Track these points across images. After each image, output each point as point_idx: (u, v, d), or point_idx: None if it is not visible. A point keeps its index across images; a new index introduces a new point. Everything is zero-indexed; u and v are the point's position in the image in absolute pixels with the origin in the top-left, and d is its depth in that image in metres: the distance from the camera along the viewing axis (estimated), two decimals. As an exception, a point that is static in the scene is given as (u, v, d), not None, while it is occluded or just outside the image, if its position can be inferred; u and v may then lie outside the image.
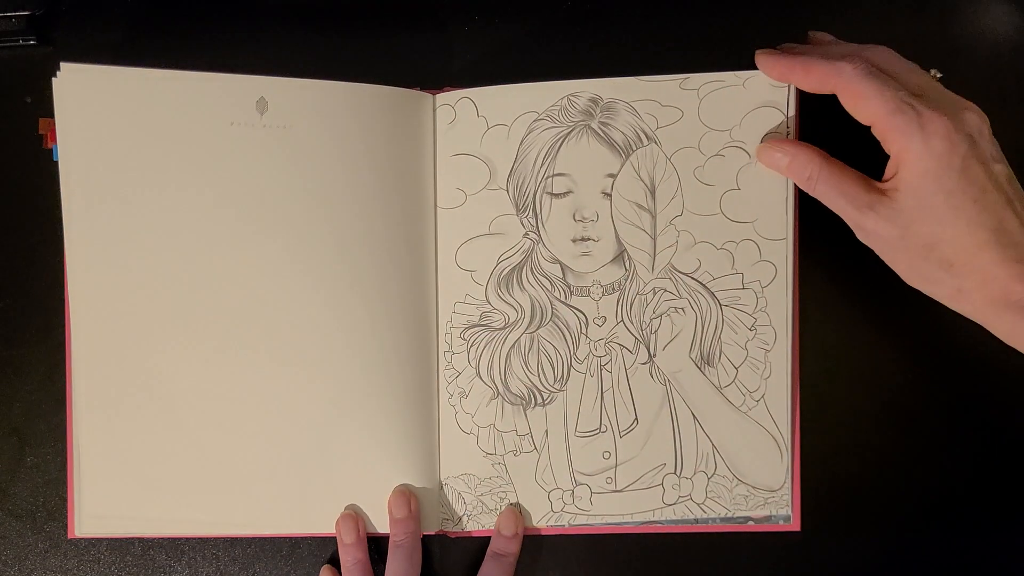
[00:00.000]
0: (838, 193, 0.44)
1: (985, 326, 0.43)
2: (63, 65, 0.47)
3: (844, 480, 0.52)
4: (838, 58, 0.44)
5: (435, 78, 0.51)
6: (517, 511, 0.50)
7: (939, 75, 0.45)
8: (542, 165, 0.50)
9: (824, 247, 0.51)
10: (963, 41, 0.52)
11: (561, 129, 0.50)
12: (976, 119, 0.42)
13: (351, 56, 0.52)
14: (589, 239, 0.50)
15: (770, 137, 0.49)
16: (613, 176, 0.49)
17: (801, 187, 0.47)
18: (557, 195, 0.50)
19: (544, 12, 0.53)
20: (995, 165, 0.42)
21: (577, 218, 0.50)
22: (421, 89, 0.50)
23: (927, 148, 0.41)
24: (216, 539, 0.51)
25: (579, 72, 0.50)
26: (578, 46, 0.52)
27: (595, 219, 0.50)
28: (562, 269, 0.50)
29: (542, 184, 0.50)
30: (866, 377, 0.52)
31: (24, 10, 0.50)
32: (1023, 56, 0.52)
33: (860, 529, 0.52)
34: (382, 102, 0.49)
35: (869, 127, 0.44)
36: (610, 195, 0.50)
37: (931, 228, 0.42)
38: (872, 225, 0.43)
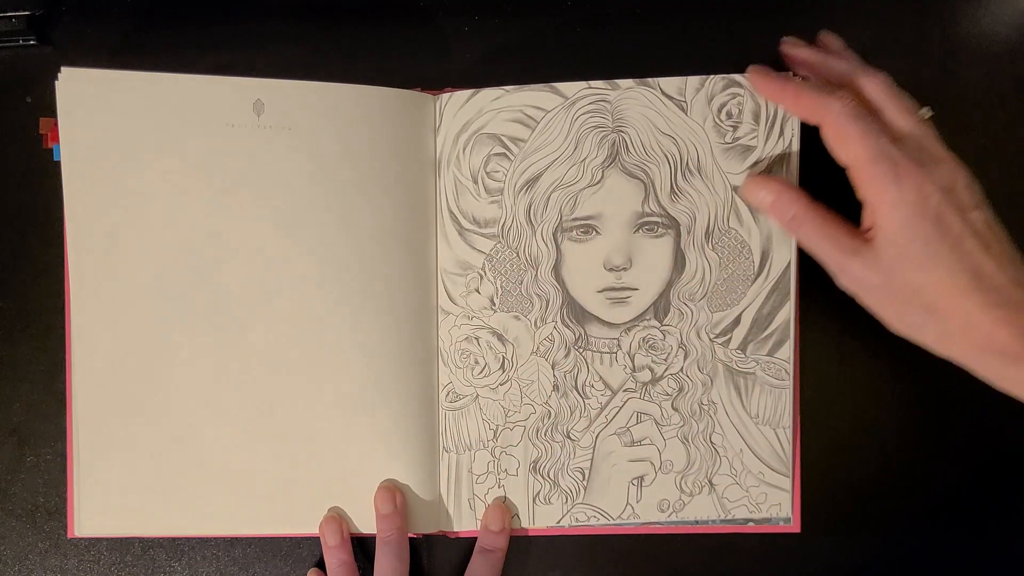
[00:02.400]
0: (822, 236, 0.45)
1: (969, 369, 0.43)
2: (64, 70, 0.47)
3: (844, 482, 0.52)
4: (828, 93, 0.44)
5: (436, 79, 0.51)
6: (504, 506, 0.50)
7: (929, 114, 0.45)
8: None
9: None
10: (963, 41, 0.52)
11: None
12: (949, 171, 0.43)
13: (351, 57, 0.52)
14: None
15: (754, 174, 0.49)
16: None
17: (783, 227, 0.47)
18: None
19: (545, 12, 0.53)
20: (971, 213, 0.42)
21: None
22: (422, 90, 0.50)
23: (901, 198, 0.42)
24: (216, 539, 0.51)
25: (579, 73, 0.50)
26: (579, 47, 0.52)
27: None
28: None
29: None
30: (866, 379, 0.52)
31: (24, 10, 0.50)
32: (1023, 56, 0.52)
33: (860, 531, 0.52)
34: (382, 103, 0.49)
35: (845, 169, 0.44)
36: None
37: (913, 275, 0.42)
38: (857, 271, 0.44)
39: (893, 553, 0.52)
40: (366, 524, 0.50)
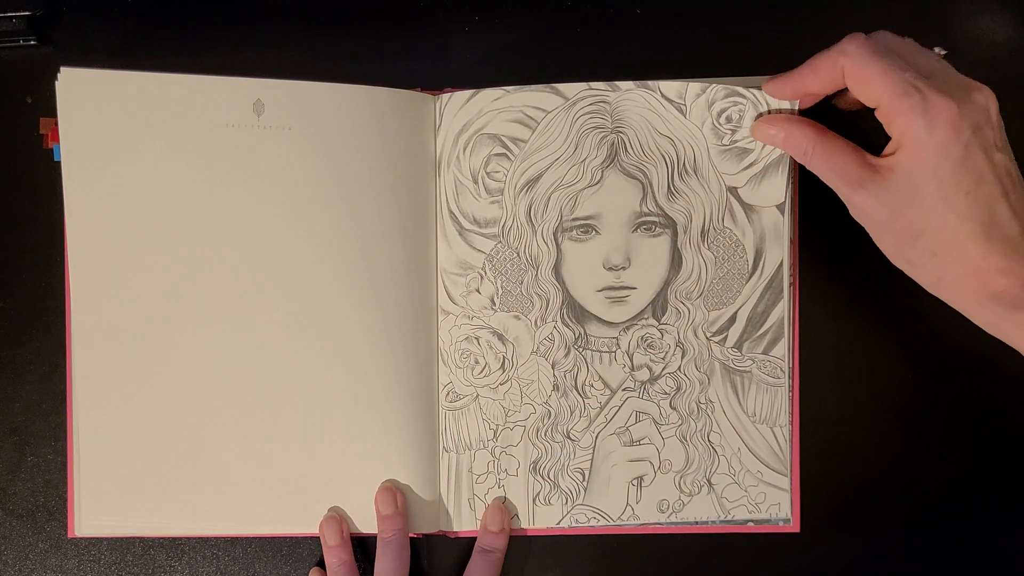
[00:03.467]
0: (830, 168, 0.44)
1: (967, 315, 0.43)
2: (63, 70, 0.47)
3: (844, 482, 0.52)
4: (838, 44, 0.43)
5: (436, 79, 0.51)
6: (503, 506, 0.50)
7: (943, 52, 0.44)
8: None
9: (824, 247, 0.51)
10: (963, 41, 0.52)
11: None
12: (983, 101, 0.41)
13: (351, 57, 0.52)
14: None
15: (764, 115, 0.49)
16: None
17: (798, 161, 0.46)
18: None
19: (545, 13, 0.53)
20: (997, 154, 0.41)
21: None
22: (422, 90, 0.50)
23: (929, 136, 0.41)
24: (216, 539, 0.51)
25: (580, 74, 0.50)
26: (579, 47, 0.52)
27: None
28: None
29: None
30: (866, 378, 0.52)
31: (24, 10, 0.50)
32: (1023, 56, 0.52)
33: (860, 531, 0.52)
34: (382, 103, 0.49)
35: (874, 110, 0.43)
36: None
37: (919, 215, 0.42)
38: (861, 203, 0.43)
39: (893, 553, 0.52)
40: (366, 524, 0.50)
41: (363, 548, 0.51)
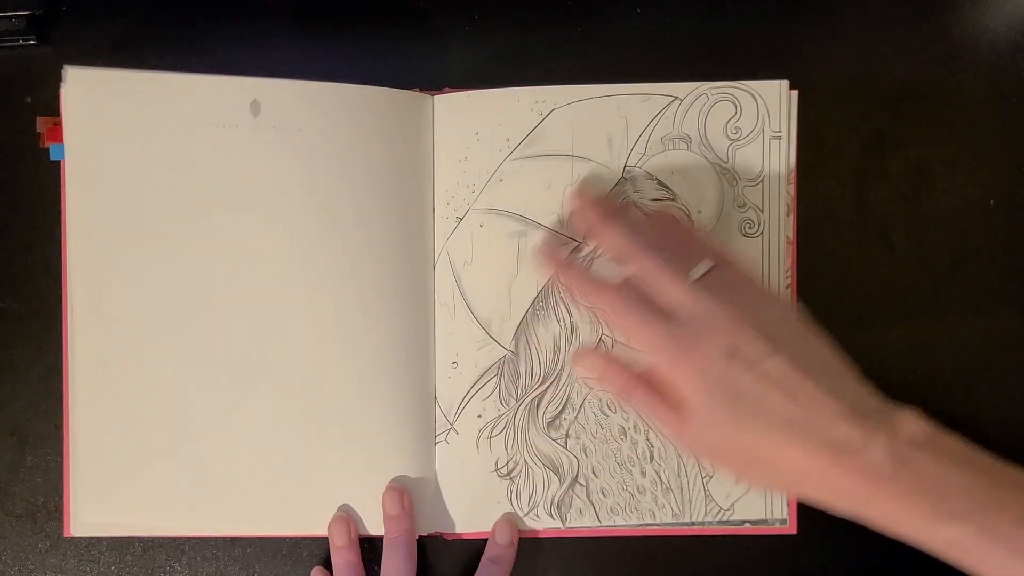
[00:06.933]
0: (651, 409, 0.43)
1: (859, 514, 0.40)
2: (68, 69, 0.47)
3: (842, 482, 0.52)
4: (604, 285, 0.44)
5: (435, 79, 0.51)
6: (512, 520, 0.50)
7: (703, 270, 0.42)
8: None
9: (824, 245, 0.51)
10: (963, 41, 0.52)
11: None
12: (727, 330, 0.40)
13: (350, 57, 0.52)
14: None
15: (583, 350, 0.50)
16: None
17: (614, 397, 0.49)
18: None
19: (545, 13, 0.52)
20: (767, 362, 0.40)
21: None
22: (420, 90, 0.50)
23: (688, 375, 0.40)
24: (216, 539, 0.51)
25: (579, 74, 0.50)
26: (579, 47, 0.52)
27: None
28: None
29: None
30: (864, 379, 0.52)
31: (24, 10, 0.50)
32: (1023, 56, 0.52)
33: (857, 532, 0.52)
34: (379, 103, 0.49)
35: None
36: None
37: (734, 438, 0.40)
38: (688, 440, 0.42)
39: (889, 554, 0.52)
40: (372, 525, 0.50)
41: (371, 549, 0.51)
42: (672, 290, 0.42)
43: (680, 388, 0.41)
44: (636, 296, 0.43)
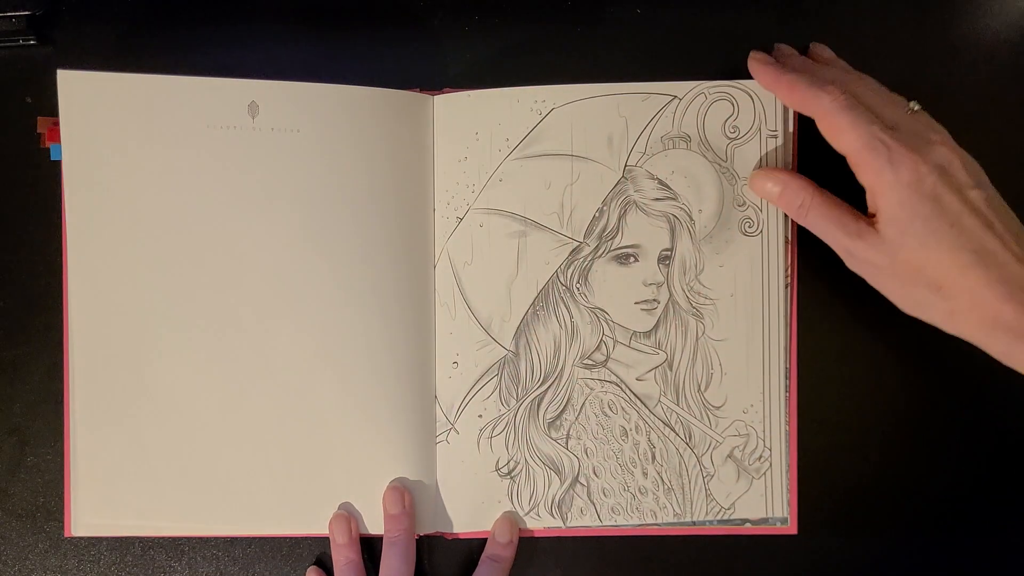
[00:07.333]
0: (828, 221, 0.46)
1: (980, 346, 0.44)
2: (60, 73, 0.47)
3: (841, 483, 0.52)
4: (821, 86, 0.45)
5: (435, 79, 0.51)
6: (512, 518, 0.50)
7: (917, 107, 0.46)
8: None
9: (823, 245, 0.51)
10: (963, 41, 0.52)
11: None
12: (945, 151, 0.44)
13: (349, 58, 0.52)
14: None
15: (762, 167, 0.49)
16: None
17: (792, 216, 0.48)
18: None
19: (544, 13, 0.52)
20: (970, 191, 0.43)
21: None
22: (420, 90, 0.50)
23: (897, 180, 0.43)
24: (216, 539, 0.51)
25: (579, 74, 0.50)
26: (578, 47, 0.52)
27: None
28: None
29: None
30: (864, 379, 0.52)
31: (24, 10, 0.50)
32: (1023, 56, 0.52)
33: (857, 531, 0.52)
34: (379, 104, 0.49)
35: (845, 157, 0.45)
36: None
37: (915, 254, 0.43)
38: (863, 252, 0.45)
39: (890, 554, 0.52)
40: (372, 524, 0.50)
41: (369, 548, 0.51)
42: (891, 109, 0.45)
43: (885, 194, 0.43)
44: (853, 102, 0.44)
